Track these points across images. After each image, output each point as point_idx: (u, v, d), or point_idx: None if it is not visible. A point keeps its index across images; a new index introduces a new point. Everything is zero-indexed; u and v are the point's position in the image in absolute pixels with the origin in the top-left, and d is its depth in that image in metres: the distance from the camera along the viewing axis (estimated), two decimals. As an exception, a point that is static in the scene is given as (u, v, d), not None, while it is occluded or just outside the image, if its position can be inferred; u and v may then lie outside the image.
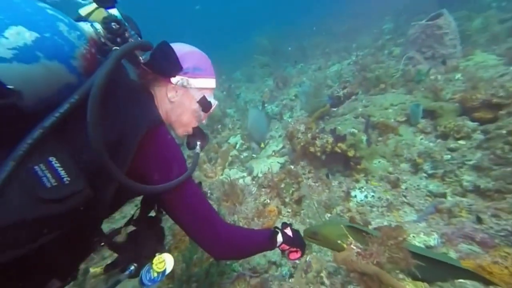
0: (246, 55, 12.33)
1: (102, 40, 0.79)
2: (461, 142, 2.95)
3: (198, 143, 1.11)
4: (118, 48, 0.77)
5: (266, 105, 6.43)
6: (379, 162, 3.03)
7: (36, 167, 0.61)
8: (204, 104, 1.05)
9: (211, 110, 1.10)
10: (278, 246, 1.20)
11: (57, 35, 0.63)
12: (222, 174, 3.69)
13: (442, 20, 5.08)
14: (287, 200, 2.94)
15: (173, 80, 0.96)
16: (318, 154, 3.02)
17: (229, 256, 1.16)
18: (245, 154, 4.17)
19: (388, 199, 2.52)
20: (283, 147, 3.71)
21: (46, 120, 0.63)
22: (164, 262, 0.94)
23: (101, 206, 0.77)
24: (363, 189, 2.71)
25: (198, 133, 1.12)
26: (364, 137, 3.04)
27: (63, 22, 0.66)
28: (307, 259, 2.12)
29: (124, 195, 0.89)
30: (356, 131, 3.11)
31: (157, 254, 0.95)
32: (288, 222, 1.50)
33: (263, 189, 3.05)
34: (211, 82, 1.07)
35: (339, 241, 1.62)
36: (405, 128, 3.34)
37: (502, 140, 2.54)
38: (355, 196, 2.66)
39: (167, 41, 0.93)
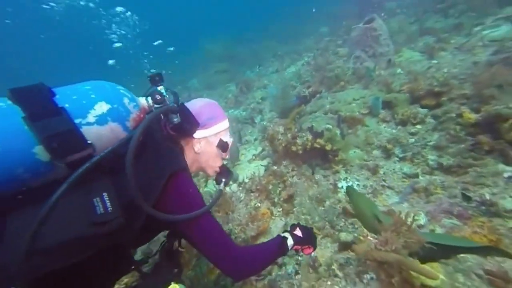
0: (199, 63, 11.94)
1: (150, 107, 1.02)
2: (418, 126, 3.17)
3: (223, 180, 1.23)
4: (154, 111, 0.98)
5: (232, 110, 6.22)
6: (354, 152, 3.09)
7: (94, 199, 0.78)
8: (222, 146, 1.21)
9: (229, 148, 1.25)
10: (291, 249, 1.25)
11: (121, 106, 0.88)
12: (206, 186, 3.39)
13: (376, 23, 5.50)
14: (276, 200, 2.81)
15: (195, 135, 1.14)
16: (300, 152, 2.95)
17: (248, 275, 1.20)
18: (224, 162, 3.90)
19: (372, 186, 2.56)
20: (263, 150, 3.57)
21: (97, 157, 0.80)
22: None
23: (131, 233, 0.88)
24: (348, 180, 2.71)
25: (224, 171, 1.27)
26: (338, 131, 3.06)
27: (127, 97, 0.92)
28: (312, 254, 2.00)
29: (153, 226, 0.96)
30: (330, 126, 3.12)
31: (172, 283, 1.04)
32: (296, 223, 1.43)
33: (251, 194, 2.87)
34: (224, 124, 1.22)
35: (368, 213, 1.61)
36: (369, 119, 3.48)
37: (453, 122, 2.78)
38: (342, 187, 2.64)
39: (183, 103, 1.12)
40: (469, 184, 2.23)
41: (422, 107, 3.38)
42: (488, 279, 1.23)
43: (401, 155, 2.83)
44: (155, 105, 1.01)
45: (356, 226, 2.16)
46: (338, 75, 4.17)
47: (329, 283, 1.60)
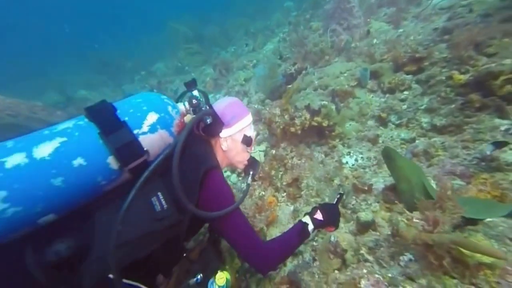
0: (163, 46, 11.01)
1: (187, 110, 1.15)
2: (406, 92, 3.07)
3: (251, 172, 1.29)
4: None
5: (212, 95, 5.75)
6: (350, 125, 2.95)
7: (152, 199, 0.90)
8: (247, 141, 1.24)
9: (253, 143, 1.30)
10: (313, 232, 1.25)
11: (167, 114, 1.00)
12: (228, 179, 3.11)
13: (346, -7, 5.22)
14: (279, 185, 2.62)
15: (221, 135, 1.20)
16: (299, 132, 2.75)
17: (275, 268, 1.28)
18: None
19: (375, 157, 2.45)
20: (257, 134, 3.30)
21: (154, 163, 0.92)
22: (224, 278, 1.07)
23: (183, 226, 0.99)
24: (351, 154, 2.58)
25: (251, 163, 1.32)
26: (333, 106, 2.87)
27: (170, 105, 1.04)
28: (331, 239, 1.85)
29: (197, 221, 1.06)
30: (325, 102, 2.91)
31: (219, 271, 1.09)
32: (316, 205, 1.34)
33: (254, 183, 2.64)
34: (247, 119, 1.25)
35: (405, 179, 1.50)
36: (359, 91, 3.33)
37: (443, 84, 2.70)
38: (347, 163, 2.51)
39: (210, 105, 1.18)
40: (468, 141, 2.18)
41: (407, 73, 3.28)
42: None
43: (397, 122, 2.73)
44: (191, 109, 1.13)
45: (369, 202, 2.04)
46: (323, 50, 3.91)
47: (363, 270, 1.45)
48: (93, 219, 0.86)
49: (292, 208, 2.41)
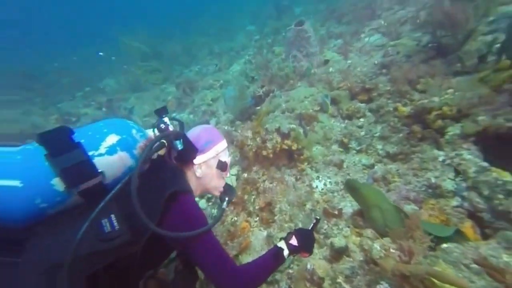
0: (112, 61, 10.01)
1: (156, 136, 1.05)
2: (362, 120, 3.37)
3: (226, 198, 1.23)
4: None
5: (175, 114, 5.42)
6: (316, 148, 3.07)
7: (102, 221, 0.83)
8: (222, 166, 1.21)
9: (228, 168, 1.26)
10: (287, 257, 1.20)
11: (129, 136, 0.95)
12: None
13: (306, 26, 5.66)
14: (251, 209, 2.53)
15: (195, 161, 1.16)
16: (271, 156, 2.73)
17: None
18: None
19: (342, 181, 2.56)
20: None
21: (111, 192, 0.85)
22: None
23: (139, 244, 0.91)
24: (320, 178, 2.65)
25: (227, 189, 1.27)
26: (301, 130, 2.96)
27: (134, 129, 1.00)
28: (308, 266, 1.83)
29: (159, 245, 0.99)
30: (294, 125, 2.98)
31: None
32: (291, 230, 1.31)
33: (226, 209, 2.49)
34: (221, 145, 1.23)
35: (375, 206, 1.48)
36: (321, 115, 3.52)
37: (391, 114, 3.04)
38: (317, 187, 2.57)
39: (184, 133, 1.13)
40: (416, 169, 2.46)
41: (360, 102, 3.62)
42: (483, 270, 1.29)
43: (357, 148, 2.94)
44: (159, 133, 1.06)
45: (340, 227, 2.10)
46: (288, 74, 4.07)
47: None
48: (30, 240, 0.80)
49: (265, 233, 2.33)
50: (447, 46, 3.57)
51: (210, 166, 1.19)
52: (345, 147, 3.02)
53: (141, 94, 7.56)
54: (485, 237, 1.87)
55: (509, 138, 2.25)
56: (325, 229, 2.12)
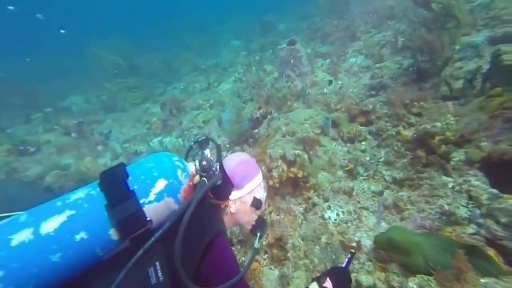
0: (80, 75, 9.30)
1: (197, 171, 1.07)
2: (364, 143, 3.46)
3: (258, 234, 1.21)
4: (205, 180, 1.03)
5: (160, 138, 5.20)
6: (322, 175, 3.05)
7: (149, 269, 0.84)
8: (256, 204, 1.20)
9: (263, 207, 1.24)
10: None
11: (175, 179, 0.96)
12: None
13: (298, 46, 5.91)
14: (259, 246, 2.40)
15: (230, 197, 1.16)
16: (277, 185, 2.66)
17: None
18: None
19: (354, 210, 2.55)
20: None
21: (154, 236, 0.86)
22: None
23: None
24: (331, 208, 2.61)
25: (259, 223, 1.26)
26: (305, 156, 2.95)
27: (180, 169, 1.00)
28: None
29: None
30: (299, 151, 2.97)
31: None
32: (326, 271, 1.20)
33: (233, 248, 2.34)
34: (257, 180, 1.21)
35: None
36: (323, 138, 3.56)
37: (394, 139, 3.15)
38: (329, 218, 2.51)
39: (221, 163, 1.16)
40: (427, 196, 2.52)
41: (360, 124, 3.74)
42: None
43: (365, 174, 2.97)
44: (201, 172, 1.06)
45: (361, 261, 2.04)
46: (285, 95, 4.13)
47: None
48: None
49: (277, 272, 2.20)
50: (426, 70, 3.92)
51: (244, 202, 1.19)
52: (351, 173, 3.04)
53: (118, 115, 7.14)
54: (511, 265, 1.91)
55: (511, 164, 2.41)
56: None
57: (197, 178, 1.09)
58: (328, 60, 6.75)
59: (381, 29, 7.25)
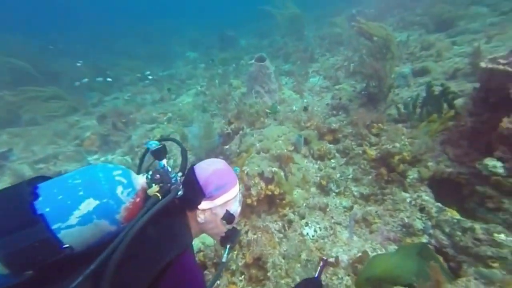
0: None
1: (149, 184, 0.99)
2: (333, 161, 3.85)
3: (228, 246, 1.16)
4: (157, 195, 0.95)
5: (96, 156, 4.82)
6: (297, 192, 3.28)
7: None
8: (228, 218, 1.14)
9: (235, 221, 1.18)
10: None
11: (112, 198, 0.85)
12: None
13: (267, 62, 6.32)
14: (234, 267, 2.46)
15: (200, 206, 1.09)
16: (255, 204, 2.78)
17: None
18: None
19: (331, 226, 2.80)
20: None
21: (88, 268, 0.76)
22: None
23: None
24: (309, 224, 2.82)
25: (230, 234, 1.18)
26: (282, 173, 3.16)
27: (122, 185, 0.89)
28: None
29: None
30: (275, 169, 3.16)
31: None
32: (299, 283, 1.32)
33: (206, 272, 2.36)
34: (232, 192, 1.15)
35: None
36: (295, 155, 3.84)
37: (361, 157, 3.59)
38: (307, 234, 2.71)
39: (193, 168, 1.13)
40: (391, 210, 2.93)
41: (329, 142, 4.16)
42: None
43: (336, 190, 3.30)
44: (152, 184, 0.99)
45: (340, 276, 2.27)
46: (258, 111, 4.35)
47: None
48: None
49: (258, 295, 2.28)
50: (375, 95, 4.68)
51: (215, 214, 1.12)
52: (324, 190, 3.35)
53: (23, 130, 6.08)
54: (452, 270, 2.34)
55: (448, 181, 2.99)
56: (324, 281, 2.24)
57: (154, 188, 0.99)
58: (291, 79, 7.41)
59: (334, 53, 8.36)
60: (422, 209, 2.85)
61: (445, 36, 6.42)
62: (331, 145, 4.07)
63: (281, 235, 2.74)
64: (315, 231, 2.78)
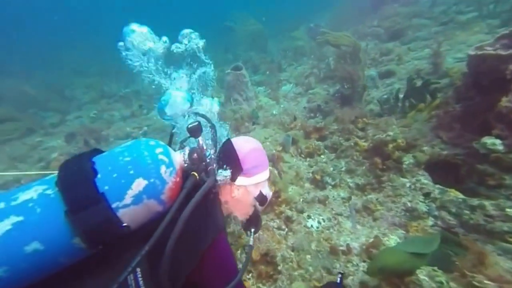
0: None
1: (187, 163, 1.06)
2: (323, 157, 3.88)
3: (253, 230, 1.22)
4: (195, 175, 1.00)
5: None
6: (292, 189, 3.21)
7: (128, 277, 0.81)
8: (261, 199, 1.19)
9: (267, 203, 1.25)
10: None
11: (158, 178, 0.88)
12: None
13: (244, 71, 6.50)
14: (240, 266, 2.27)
15: (236, 182, 1.13)
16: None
17: None
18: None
19: (334, 217, 2.74)
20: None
21: (142, 248, 0.83)
22: None
23: None
24: (312, 217, 2.74)
25: (254, 218, 1.23)
26: (276, 171, 3.11)
27: (164, 165, 0.91)
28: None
29: None
30: (270, 168, 3.09)
31: None
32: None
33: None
34: (266, 174, 1.22)
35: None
36: (285, 155, 3.83)
37: (353, 149, 3.67)
38: (311, 226, 2.62)
39: (230, 142, 1.16)
40: (392, 196, 2.96)
41: (317, 140, 4.23)
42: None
43: (332, 183, 3.29)
44: (190, 164, 1.05)
45: (355, 263, 2.17)
46: (243, 116, 4.38)
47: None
48: None
49: (271, 288, 2.10)
50: (349, 95, 5.09)
51: (249, 192, 1.16)
52: (319, 184, 3.32)
53: None
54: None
55: (445, 163, 3.14)
56: (341, 270, 2.14)
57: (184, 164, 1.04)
58: (263, 88, 7.88)
59: (300, 63, 9.04)
60: (427, 194, 2.91)
61: (400, 43, 7.40)
62: (319, 142, 4.13)
63: (282, 232, 2.61)
64: (319, 222, 2.70)
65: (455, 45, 5.82)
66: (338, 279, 1.32)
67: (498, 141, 2.67)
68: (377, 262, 2.00)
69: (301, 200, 3.08)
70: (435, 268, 1.87)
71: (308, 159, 3.91)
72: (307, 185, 3.37)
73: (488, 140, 2.71)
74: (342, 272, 1.38)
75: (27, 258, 0.72)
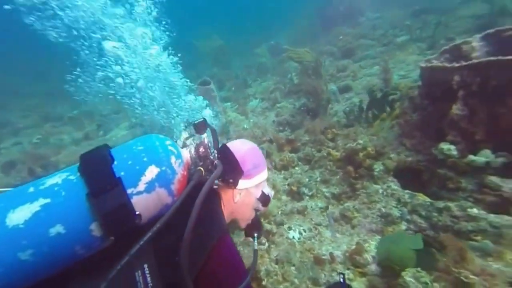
0: None
1: (193, 158, 1.09)
2: (297, 168, 3.97)
3: (256, 234, 1.28)
4: (201, 169, 1.04)
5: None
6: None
7: (136, 273, 0.83)
8: (264, 199, 1.23)
9: (270, 203, 1.28)
10: None
11: (169, 167, 0.92)
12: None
13: (212, 86, 6.56)
14: None
15: (238, 186, 1.14)
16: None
17: None
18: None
19: (315, 227, 2.77)
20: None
21: (145, 237, 0.82)
22: None
23: None
24: (292, 228, 2.73)
25: (256, 223, 1.30)
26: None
27: (174, 155, 0.95)
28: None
29: None
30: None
31: None
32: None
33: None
34: (265, 173, 1.25)
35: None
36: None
37: (327, 159, 3.81)
38: (293, 237, 2.61)
39: (227, 146, 1.16)
40: (366, 203, 3.10)
41: (290, 152, 4.33)
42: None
43: (309, 194, 3.35)
44: (197, 159, 1.09)
45: (338, 271, 2.19)
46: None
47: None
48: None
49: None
50: (314, 108, 5.45)
51: (251, 194, 1.19)
52: (296, 195, 3.36)
53: None
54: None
55: (410, 170, 3.41)
56: (325, 279, 2.14)
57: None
58: (230, 103, 8.09)
59: (264, 79, 9.58)
60: (395, 198, 3.09)
61: (352, 61, 8.24)
62: (292, 154, 4.23)
63: (263, 246, 2.56)
64: (300, 233, 2.71)
65: (397, 64, 6.61)
66: (341, 279, 1.33)
67: (452, 147, 2.95)
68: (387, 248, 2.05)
69: (279, 212, 3.08)
70: (419, 269, 1.97)
71: (283, 171, 3.96)
72: (284, 197, 3.39)
73: (444, 146, 2.99)
74: (342, 272, 1.39)
75: (50, 242, 0.74)
